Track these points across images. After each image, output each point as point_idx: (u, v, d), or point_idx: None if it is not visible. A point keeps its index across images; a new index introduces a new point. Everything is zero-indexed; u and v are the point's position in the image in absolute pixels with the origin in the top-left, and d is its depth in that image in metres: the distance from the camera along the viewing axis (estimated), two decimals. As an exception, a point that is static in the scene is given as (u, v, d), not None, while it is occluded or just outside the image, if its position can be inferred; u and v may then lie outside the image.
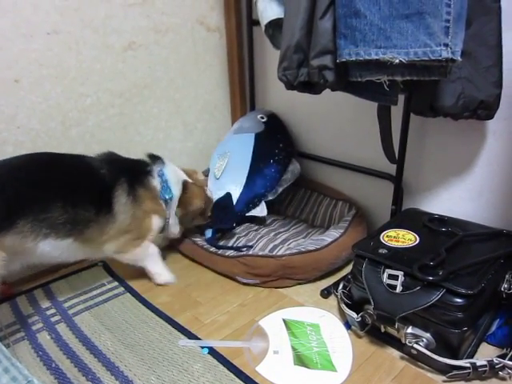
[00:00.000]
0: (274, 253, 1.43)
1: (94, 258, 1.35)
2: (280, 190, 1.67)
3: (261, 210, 1.62)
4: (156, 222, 1.37)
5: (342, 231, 1.45)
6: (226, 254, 1.43)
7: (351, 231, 1.47)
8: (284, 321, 1.19)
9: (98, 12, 1.43)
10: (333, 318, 1.21)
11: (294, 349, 1.08)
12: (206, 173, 1.80)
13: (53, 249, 1.15)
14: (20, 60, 1.31)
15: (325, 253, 1.36)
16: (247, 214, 1.61)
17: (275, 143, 1.71)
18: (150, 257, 1.39)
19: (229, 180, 1.62)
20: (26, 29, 1.30)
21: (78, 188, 1.20)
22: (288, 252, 1.36)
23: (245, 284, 1.39)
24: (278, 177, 1.66)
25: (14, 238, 1.06)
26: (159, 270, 1.41)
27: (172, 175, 1.41)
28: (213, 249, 1.47)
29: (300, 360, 1.05)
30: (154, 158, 1.41)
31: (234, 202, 1.58)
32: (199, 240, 1.54)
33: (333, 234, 1.44)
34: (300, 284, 1.38)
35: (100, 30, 1.46)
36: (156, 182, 1.36)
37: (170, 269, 1.49)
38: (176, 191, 1.40)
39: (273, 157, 1.67)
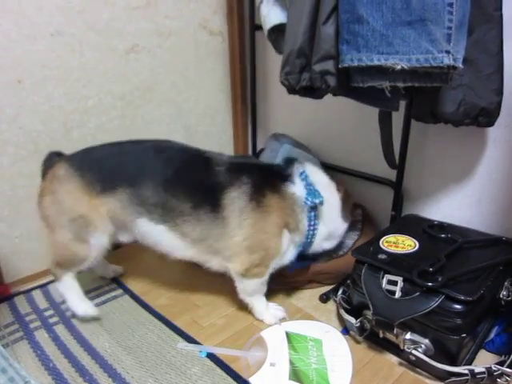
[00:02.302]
0: None
1: (207, 264, 1.20)
2: None
3: None
4: (286, 239, 1.14)
5: (358, 233, 1.45)
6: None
7: (366, 231, 1.48)
8: (286, 333, 1.16)
9: (101, 14, 1.44)
10: (337, 334, 1.17)
11: (291, 363, 1.05)
12: None
13: (150, 231, 1.17)
14: (23, 61, 1.31)
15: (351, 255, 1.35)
16: None
17: None
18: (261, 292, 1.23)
19: None
20: (30, 30, 1.30)
21: (175, 176, 1.14)
22: (321, 259, 1.34)
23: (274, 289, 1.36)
24: None
25: (114, 204, 1.14)
26: (264, 309, 1.23)
27: (318, 176, 1.21)
28: None
29: (296, 375, 1.02)
30: (290, 162, 1.21)
31: None
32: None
33: (351, 236, 1.43)
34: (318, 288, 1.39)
35: (103, 33, 1.46)
36: (297, 188, 1.14)
37: (169, 272, 1.49)
38: (328, 195, 1.18)
39: None
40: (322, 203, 1.14)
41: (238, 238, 1.10)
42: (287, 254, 1.18)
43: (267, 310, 1.21)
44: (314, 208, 1.14)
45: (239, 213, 1.09)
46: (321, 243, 1.23)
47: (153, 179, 1.13)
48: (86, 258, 1.18)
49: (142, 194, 1.13)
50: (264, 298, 1.23)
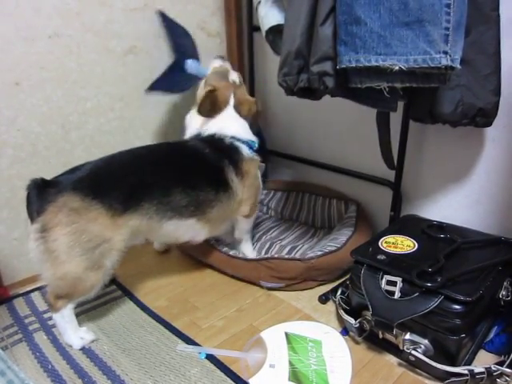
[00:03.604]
0: (291, 255, 1.45)
1: (213, 235, 1.44)
2: None
3: None
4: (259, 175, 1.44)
5: (352, 229, 1.47)
6: (250, 257, 1.44)
7: (360, 226, 1.50)
8: (286, 334, 1.16)
9: (99, 16, 1.44)
10: (337, 335, 1.16)
11: (291, 364, 1.05)
12: None
13: (177, 228, 1.25)
14: (21, 63, 1.31)
15: (346, 251, 1.35)
16: None
17: None
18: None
19: None
20: (28, 32, 1.30)
21: (191, 172, 1.25)
22: (313, 254, 1.35)
23: (268, 289, 1.38)
24: None
25: (140, 219, 1.15)
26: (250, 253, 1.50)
27: (237, 128, 1.38)
28: (232, 252, 1.46)
29: (295, 377, 1.01)
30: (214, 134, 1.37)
31: None
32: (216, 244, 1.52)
33: (345, 232, 1.46)
34: (321, 285, 1.40)
35: (101, 34, 1.46)
36: (245, 149, 1.36)
37: (168, 274, 1.49)
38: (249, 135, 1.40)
39: None
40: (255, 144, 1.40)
41: (242, 199, 1.37)
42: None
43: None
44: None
45: (239, 185, 1.33)
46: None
47: (177, 183, 1.20)
48: (96, 285, 1.13)
49: (172, 201, 1.19)
50: (250, 242, 1.53)
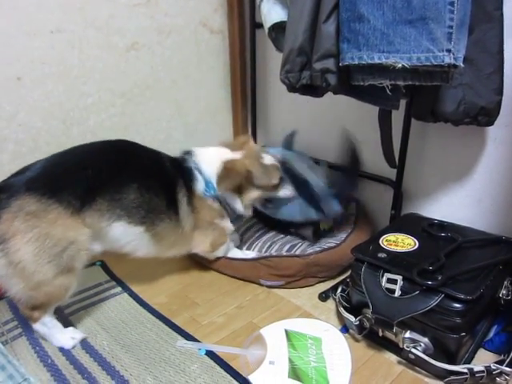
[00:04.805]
0: (292, 252, 1.45)
1: (158, 256, 1.34)
2: None
3: None
4: (223, 223, 1.35)
5: (351, 226, 1.48)
6: (248, 257, 1.43)
7: (360, 223, 1.50)
8: (286, 331, 1.16)
9: (101, 11, 1.44)
10: (337, 333, 1.16)
11: (291, 361, 1.05)
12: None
13: (125, 233, 1.17)
14: (22, 58, 1.31)
15: (345, 247, 1.36)
16: None
17: None
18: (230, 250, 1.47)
19: None
20: (29, 27, 1.30)
21: (150, 174, 1.21)
22: (312, 250, 1.36)
23: (268, 287, 1.38)
24: None
25: (92, 215, 1.08)
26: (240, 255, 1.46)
27: (208, 167, 1.29)
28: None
29: (295, 373, 1.01)
30: (188, 155, 1.32)
31: None
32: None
33: (344, 228, 1.47)
34: (321, 282, 1.40)
35: (103, 30, 1.46)
36: (201, 184, 1.28)
37: (168, 270, 1.49)
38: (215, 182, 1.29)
39: None
40: (215, 192, 1.29)
41: (190, 233, 1.29)
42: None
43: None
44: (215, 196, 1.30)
45: (187, 215, 1.26)
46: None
47: (134, 181, 1.14)
48: (70, 288, 1.08)
49: (124, 198, 1.12)
50: (234, 248, 1.47)
